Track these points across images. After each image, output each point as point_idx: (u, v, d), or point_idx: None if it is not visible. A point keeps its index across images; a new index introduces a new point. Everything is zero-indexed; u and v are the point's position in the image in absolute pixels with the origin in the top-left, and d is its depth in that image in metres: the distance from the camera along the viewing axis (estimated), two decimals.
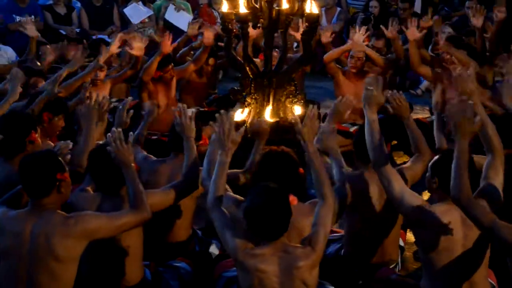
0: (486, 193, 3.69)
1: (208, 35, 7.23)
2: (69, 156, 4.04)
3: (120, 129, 3.79)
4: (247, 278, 3.44)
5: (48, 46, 7.33)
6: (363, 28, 7.18)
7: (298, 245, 3.49)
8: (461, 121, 3.47)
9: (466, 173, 3.45)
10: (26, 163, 3.55)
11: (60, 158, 3.62)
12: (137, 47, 6.74)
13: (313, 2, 5.64)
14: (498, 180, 3.76)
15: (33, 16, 9.18)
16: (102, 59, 6.32)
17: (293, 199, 3.57)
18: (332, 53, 7.21)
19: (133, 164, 3.75)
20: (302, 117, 3.88)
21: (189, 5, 10.69)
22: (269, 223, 3.39)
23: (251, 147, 4.63)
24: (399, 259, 4.64)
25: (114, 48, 6.72)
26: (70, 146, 4.11)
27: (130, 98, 4.78)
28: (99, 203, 3.95)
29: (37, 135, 4.40)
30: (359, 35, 7.10)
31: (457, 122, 3.48)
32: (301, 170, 3.91)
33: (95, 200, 3.97)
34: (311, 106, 3.86)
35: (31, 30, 7.12)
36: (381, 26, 7.58)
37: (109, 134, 3.76)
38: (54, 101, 5.09)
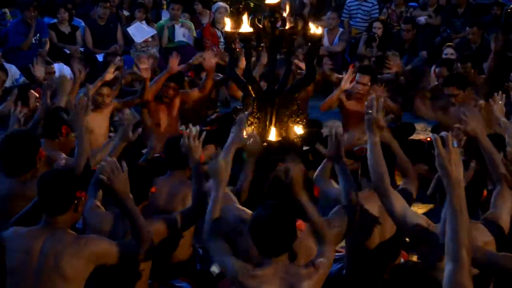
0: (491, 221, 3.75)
1: (209, 59, 7.03)
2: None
3: (114, 159, 3.66)
4: None
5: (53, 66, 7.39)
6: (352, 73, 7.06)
7: (301, 266, 3.46)
8: (449, 169, 2.75)
9: (466, 237, 2.71)
10: (47, 179, 3.52)
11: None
12: (144, 69, 6.68)
13: (314, 23, 5.67)
14: (506, 209, 3.78)
15: (38, 35, 9.26)
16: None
17: (300, 224, 3.52)
18: (326, 103, 7.17)
19: (131, 196, 3.62)
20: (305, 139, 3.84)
21: (192, 24, 10.76)
22: (272, 237, 3.36)
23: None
24: None
25: (108, 76, 6.68)
26: None
27: (129, 112, 4.73)
28: (113, 222, 3.94)
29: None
30: (345, 81, 7.02)
31: (445, 171, 2.77)
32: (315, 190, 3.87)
33: (109, 219, 3.96)
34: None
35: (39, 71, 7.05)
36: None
37: (102, 163, 3.62)
38: None
